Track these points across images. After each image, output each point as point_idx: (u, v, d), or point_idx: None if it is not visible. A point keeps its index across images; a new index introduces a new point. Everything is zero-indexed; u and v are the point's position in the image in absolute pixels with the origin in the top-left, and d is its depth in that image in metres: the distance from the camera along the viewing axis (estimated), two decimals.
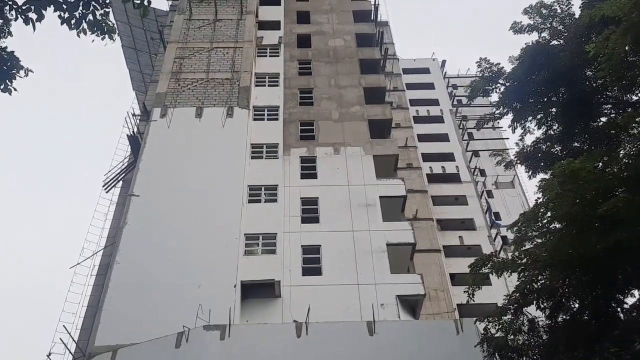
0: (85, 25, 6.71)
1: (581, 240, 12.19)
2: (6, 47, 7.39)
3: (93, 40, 6.90)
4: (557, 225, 14.54)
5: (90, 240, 23.22)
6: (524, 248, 14.92)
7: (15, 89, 7.21)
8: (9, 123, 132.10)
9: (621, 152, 15.15)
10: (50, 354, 18.42)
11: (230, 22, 31.87)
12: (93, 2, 6.60)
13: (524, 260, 14.43)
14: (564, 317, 13.91)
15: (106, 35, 7.03)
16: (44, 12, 6.23)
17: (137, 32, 35.93)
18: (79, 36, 6.62)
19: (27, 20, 6.38)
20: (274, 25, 34.03)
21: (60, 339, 18.44)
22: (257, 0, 34.06)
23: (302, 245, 23.49)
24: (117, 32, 7.21)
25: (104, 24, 6.90)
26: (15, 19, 6.33)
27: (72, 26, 6.57)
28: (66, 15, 6.43)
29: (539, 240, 14.69)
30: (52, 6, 6.23)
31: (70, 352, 18.76)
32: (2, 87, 6.96)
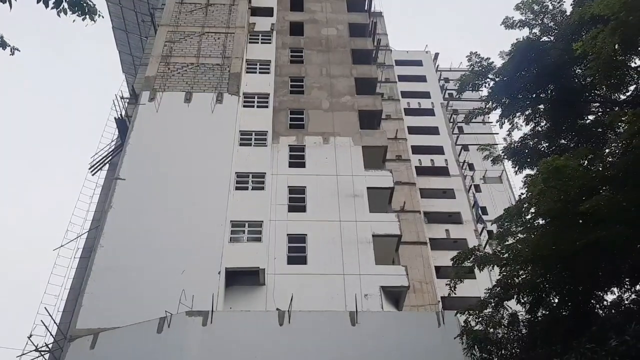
0: (65, 4, 6.59)
1: (563, 237, 12.29)
2: None
3: (74, 20, 6.78)
4: (541, 221, 14.66)
5: (75, 223, 23.07)
6: (506, 243, 15.04)
7: None
8: None
9: (606, 150, 15.27)
10: (31, 335, 18.33)
11: (223, 7, 31.56)
12: None
13: (506, 255, 14.54)
14: (544, 312, 14.06)
15: (87, 16, 6.92)
16: None
17: (128, 13, 35.52)
18: (59, 15, 6.53)
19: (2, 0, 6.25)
20: (266, 12, 33.73)
21: (42, 320, 18.36)
22: None
23: (288, 234, 23.48)
24: (97, 12, 7.05)
25: (84, 4, 6.78)
26: None
27: (52, 5, 6.45)
28: None
29: (522, 236, 14.80)
30: None
31: (51, 334, 18.69)
32: None
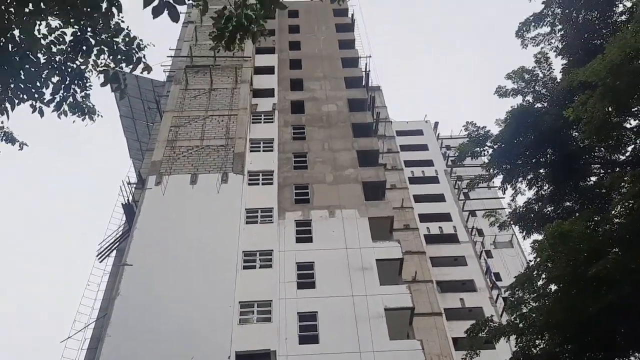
0: (66, 107, 6.92)
1: (576, 303, 12.03)
2: None
3: (74, 121, 7.10)
4: (553, 287, 14.39)
5: (83, 312, 22.79)
6: (520, 312, 14.70)
7: None
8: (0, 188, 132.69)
9: (612, 211, 15.21)
10: None
11: (225, 91, 32.66)
12: (73, 86, 6.83)
13: (521, 325, 14.17)
14: None
15: (86, 116, 7.23)
16: (17, 103, 6.42)
17: (134, 102, 36.73)
18: (59, 117, 6.83)
19: (1, 111, 6.58)
20: (268, 93, 34.86)
21: None
22: (251, 70, 35.05)
23: (298, 312, 23.02)
24: (96, 112, 7.40)
25: (84, 106, 7.11)
26: None
27: (52, 110, 6.76)
28: (38, 104, 6.63)
29: (535, 304, 14.48)
30: (25, 96, 6.42)
31: None
32: None
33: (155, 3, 4.38)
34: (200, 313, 21.00)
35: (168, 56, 36.36)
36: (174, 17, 4.49)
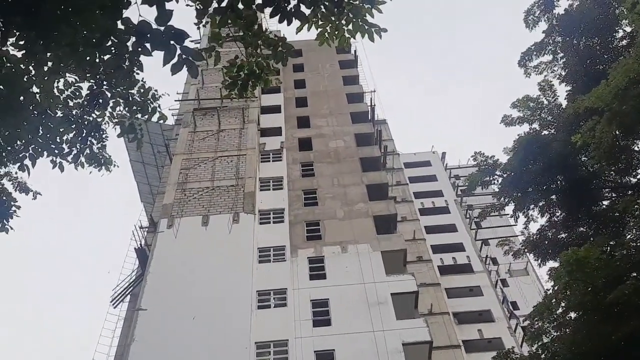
0: (82, 159, 7.08)
1: (597, 331, 11.83)
2: (4, 187, 7.76)
3: (90, 172, 7.26)
4: (573, 315, 14.18)
5: (98, 359, 22.61)
6: (541, 342, 14.44)
7: (12, 228, 7.47)
8: (14, 236, 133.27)
9: (627, 236, 15.08)
10: None
11: (233, 132, 33.10)
12: (90, 138, 7.01)
13: (543, 356, 13.91)
14: None
15: (103, 167, 7.40)
16: (37, 158, 6.59)
17: (144, 146, 37.18)
18: (76, 169, 7.00)
19: (22, 167, 6.74)
20: (275, 132, 35.26)
21: None
22: (258, 110, 35.57)
23: (315, 351, 22.69)
24: (113, 163, 7.57)
25: (101, 157, 7.28)
26: (13, 164, 6.67)
27: (70, 162, 6.92)
28: (58, 159, 6.80)
29: (555, 333, 14.25)
30: (45, 152, 6.60)
31: None
32: None
33: (174, 60, 4.54)
34: (216, 355, 20.82)
35: (176, 100, 37.06)
36: (194, 73, 4.65)
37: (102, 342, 23.73)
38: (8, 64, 5.42)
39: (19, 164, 6.58)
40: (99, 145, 7.23)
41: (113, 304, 25.53)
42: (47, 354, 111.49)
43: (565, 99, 18.00)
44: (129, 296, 26.09)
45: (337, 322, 23.93)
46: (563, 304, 14.01)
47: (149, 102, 6.54)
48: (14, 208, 7.49)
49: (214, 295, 23.29)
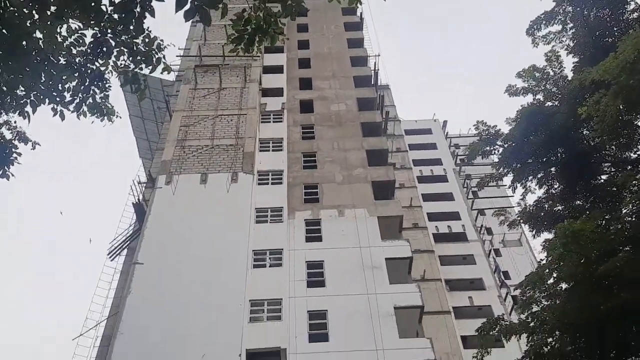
0: (85, 108, 7.01)
1: (588, 302, 12.02)
2: (4, 135, 7.70)
3: (92, 122, 7.20)
4: (564, 286, 14.38)
5: (94, 310, 23.00)
6: (531, 311, 14.69)
7: (13, 175, 7.44)
8: (12, 189, 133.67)
9: (623, 210, 15.17)
10: None
11: (235, 91, 32.78)
12: (93, 87, 6.92)
13: (533, 324, 14.17)
14: None
15: (105, 117, 7.33)
16: (38, 105, 6.49)
17: (144, 101, 36.91)
18: (78, 118, 6.93)
19: (22, 113, 6.67)
20: (277, 92, 34.92)
21: None
22: (260, 69, 35.14)
23: (308, 311, 23.09)
24: (115, 114, 7.50)
25: (103, 107, 7.21)
26: (14, 111, 6.59)
27: (72, 110, 6.84)
28: (59, 107, 6.71)
29: (546, 302, 14.48)
30: (47, 99, 6.50)
31: None
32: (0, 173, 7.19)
33: (187, 7, 4.44)
34: (211, 311, 21.15)
35: (177, 56, 36.51)
36: (206, 20, 4.56)
37: (98, 294, 24.01)
38: (11, 8, 5.30)
39: (19, 110, 6.51)
40: (102, 95, 7.15)
41: (110, 257, 25.80)
42: (44, 305, 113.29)
43: (571, 70, 17.80)
44: (126, 250, 26.31)
45: (331, 283, 24.26)
46: (555, 275, 14.19)
47: (153, 52, 6.44)
48: (14, 155, 7.45)
49: (211, 252, 23.51)
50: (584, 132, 17.26)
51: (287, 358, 21.07)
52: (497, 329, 14.68)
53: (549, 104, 18.12)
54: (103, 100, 7.18)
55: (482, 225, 44.42)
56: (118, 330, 20.57)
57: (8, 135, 9.00)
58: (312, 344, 21.91)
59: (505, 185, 42.08)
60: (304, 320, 22.70)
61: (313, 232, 26.70)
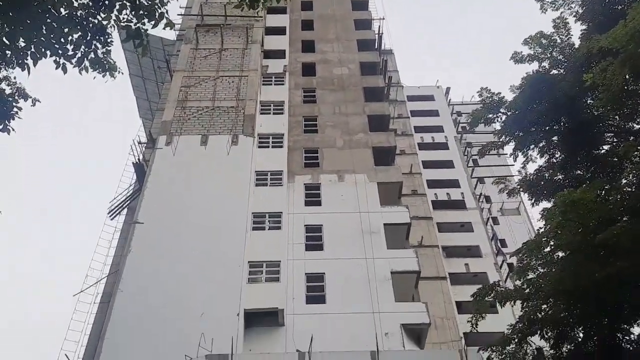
0: (87, 63, 6.91)
1: (584, 270, 12.15)
2: (4, 90, 7.60)
3: (94, 77, 7.10)
4: (561, 254, 14.51)
5: (94, 268, 23.26)
6: (527, 277, 14.87)
7: (13, 129, 7.38)
8: (12, 148, 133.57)
9: (623, 180, 15.18)
10: None
11: (236, 52, 32.37)
12: (95, 42, 6.80)
13: (528, 290, 14.37)
14: (569, 347, 13.79)
15: (107, 73, 7.23)
16: (40, 57, 6.39)
17: (144, 60, 36.45)
18: (80, 73, 6.83)
19: (22, 66, 6.57)
20: (279, 54, 34.50)
21: None
22: (262, 30, 34.60)
23: (306, 273, 23.39)
24: (117, 69, 7.39)
25: (105, 62, 7.10)
26: (14, 65, 6.49)
27: (74, 65, 6.75)
28: (62, 60, 6.61)
29: (542, 270, 14.64)
30: (49, 52, 6.39)
31: None
32: (0, 127, 7.12)
33: None
34: (210, 271, 21.40)
35: (178, 14, 35.87)
36: None
37: (98, 252, 24.23)
38: None
39: (20, 61, 6.41)
40: (104, 49, 7.05)
41: (110, 216, 25.93)
42: (43, 265, 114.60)
43: (579, 38, 17.52)
44: (126, 209, 26.43)
45: (330, 247, 24.51)
46: (552, 243, 14.30)
47: (156, 6, 6.31)
48: (15, 109, 7.39)
49: (210, 214, 23.64)
50: (588, 102, 17.12)
51: (285, 319, 21.44)
52: (492, 295, 14.89)
53: (555, 72, 17.89)
54: (105, 55, 7.08)
55: (481, 194, 44.57)
56: (118, 288, 20.85)
57: (8, 90, 8.91)
58: (309, 306, 22.29)
59: (506, 154, 41.98)
60: (302, 283, 23.02)
61: (312, 197, 26.83)
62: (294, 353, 18.24)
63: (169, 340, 18.83)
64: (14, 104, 7.38)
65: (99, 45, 6.93)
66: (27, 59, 6.38)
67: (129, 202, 26.60)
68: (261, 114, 30.27)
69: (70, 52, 6.71)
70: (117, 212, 26.27)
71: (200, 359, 17.43)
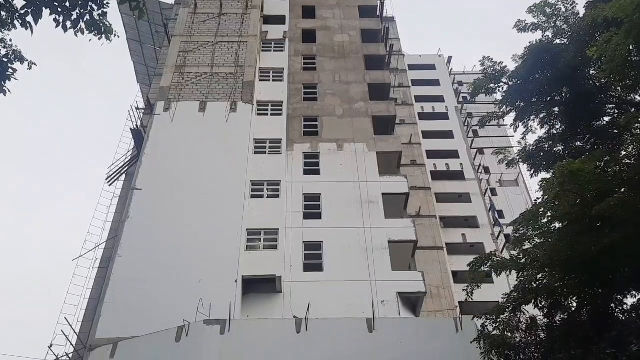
0: (83, 25, 6.76)
1: (580, 241, 12.20)
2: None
3: (90, 40, 6.97)
4: (557, 225, 14.56)
5: (93, 233, 23.38)
6: (523, 248, 14.96)
7: (9, 90, 7.26)
8: (11, 114, 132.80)
9: (622, 152, 15.14)
10: (51, 345, 18.60)
11: (235, 17, 31.86)
12: (91, 3, 6.65)
13: (524, 260, 14.46)
14: (562, 316, 13.94)
15: (103, 36, 7.09)
16: (40, 16, 6.24)
17: (142, 25, 35.96)
18: (76, 35, 6.69)
19: (24, 24, 6.43)
20: (279, 20, 33.98)
21: (62, 330, 18.63)
22: None
23: (304, 242, 23.52)
24: (113, 32, 7.25)
25: (101, 24, 6.95)
26: (12, 25, 6.34)
27: (69, 27, 6.61)
28: (61, 18, 6.46)
29: (539, 240, 14.71)
30: (48, 9, 6.23)
31: (71, 344, 18.94)
32: None
33: None
34: (208, 238, 21.51)
35: None
36: None
37: (97, 217, 24.30)
38: None
39: (21, 22, 6.28)
40: (100, 12, 6.89)
41: (108, 182, 25.90)
42: (43, 229, 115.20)
43: (584, 7, 17.20)
44: (124, 175, 26.40)
45: (328, 216, 24.60)
46: (549, 214, 14.33)
47: None
48: (10, 70, 7.27)
49: (208, 181, 23.64)
50: (591, 72, 16.95)
51: (282, 286, 21.66)
52: (488, 264, 14.98)
53: (558, 41, 17.64)
54: (101, 17, 6.93)
55: (480, 165, 44.58)
56: (117, 254, 20.98)
57: (3, 51, 8.76)
58: (306, 273, 22.49)
59: (507, 125, 41.91)
60: (300, 251, 23.18)
61: (311, 165, 26.79)
62: (291, 319, 18.49)
63: (167, 305, 19.03)
64: (9, 64, 7.24)
65: (95, 7, 6.79)
66: (28, 17, 6.23)
67: (127, 168, 26.55)
68: (260, 81, 29.98)
69: (64, 19, 6.57)
70: (116, 178, 26.25)
71: (199, 323, 17.66)
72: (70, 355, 19.02)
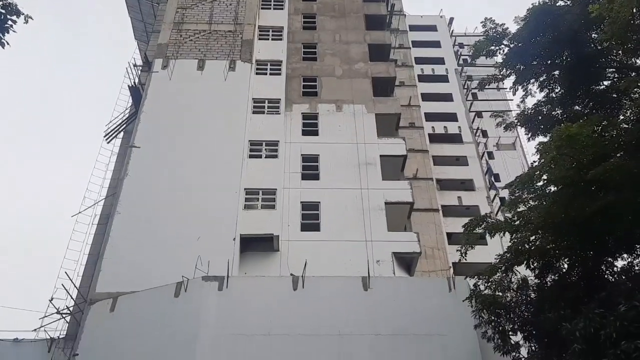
0: None
1: (574, 204, 12.34)
2: None
3: None
4: (552, 189, 14.69)
5: (92, 190, 23.50)
6: (518, 210, 15.13)
7: (8, 43, 7.19)
8: (8, 71, 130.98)
9: (620, 117, 15.15)
10: (52, 298, 18.99)
11: None
12: None
13: (518, 222, 14.65)
14: (553, 277, 14.22)
15: None
16: None
17: None
18: None
19: None
20: None
21: (62, 285, 18.97)
22: None
23: (301, 202, 23.75)
24: None
25: None
26: None
27: None
28: None
29: (534, 203, 14.87)
30: None
31: (71, 298, 19.31)
32: None
33: None
34: (207, 196, 21.70)
35: None
36: None
37: (95, 174, 24.35)
38: None
39: None
40: None
41: (107, 139, 25.88)
42: (41, 184, 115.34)
43: None
44: (122, 133, 26.36)
45: (325, 177, 24.74)
46: (545, 177, 14.44)
47: None
48: (9, 22, 7.18)
49: (207, 139, 23.68)
50: (593, 35, 16.79)
51: (280, 244, 21.97)
52: (482, 226, 15.18)
53: (561, 3, 17.41)
54: None
55: (478, 128, 44.51)
56: (116, 210, 21.19)
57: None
58: (303, 233, 22.78)
59: (506, 89, 41.67)
60: (297, 210, 23.43)
61: (310, 126, 26.78)
62: (287, 277, 18.84)
63: (166, 262, 19.35)
64: (8, 16, 7.14)
65: None
66: None
67: (125, 125, 26.48)
68: (259, 39, 29.61)
69: None
70: (114, 135, 26.21)
71: (197, 280, 17.99)
72: (71, 309, 19.43)
